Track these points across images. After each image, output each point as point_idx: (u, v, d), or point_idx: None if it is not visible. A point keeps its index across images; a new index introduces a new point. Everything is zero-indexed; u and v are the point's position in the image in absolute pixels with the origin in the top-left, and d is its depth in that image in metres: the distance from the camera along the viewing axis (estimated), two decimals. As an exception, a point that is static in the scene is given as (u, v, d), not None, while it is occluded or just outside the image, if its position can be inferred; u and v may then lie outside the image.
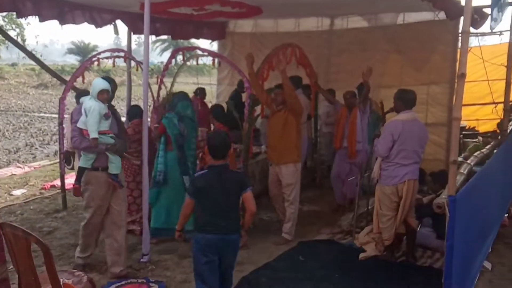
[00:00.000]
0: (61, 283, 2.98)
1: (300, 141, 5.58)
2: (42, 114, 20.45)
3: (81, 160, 4.37)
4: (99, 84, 4.29)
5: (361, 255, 4.99)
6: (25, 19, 6.02)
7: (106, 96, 4.28)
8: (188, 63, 7.32)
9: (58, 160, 6.56)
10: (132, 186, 5.51)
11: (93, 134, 4.16)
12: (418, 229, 5.25)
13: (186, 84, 13.83)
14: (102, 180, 4.35)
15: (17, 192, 7.46)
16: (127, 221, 5.19)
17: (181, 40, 47.58)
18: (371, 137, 6.47)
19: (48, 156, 11.34)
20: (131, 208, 5.47)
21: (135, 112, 5.84)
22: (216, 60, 6.84)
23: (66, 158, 6.44)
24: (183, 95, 5.74)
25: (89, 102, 4.23)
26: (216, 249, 3.48)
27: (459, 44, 6.63)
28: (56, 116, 8.74)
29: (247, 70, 5.48)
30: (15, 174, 8.77)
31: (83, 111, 4.22)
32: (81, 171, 4.38)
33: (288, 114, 5.35)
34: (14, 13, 5.85)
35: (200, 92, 8.35)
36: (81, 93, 5.79)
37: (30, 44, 20.03)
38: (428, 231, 5.34)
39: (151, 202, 5.10)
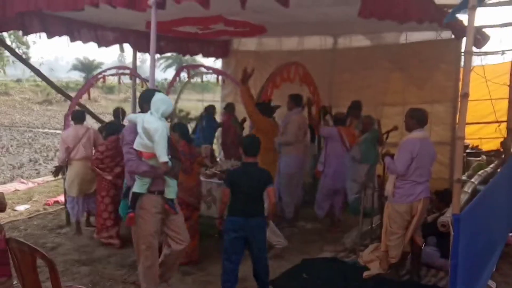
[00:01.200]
0: (66, 298, 3.00)
1: (269, 160, 5.34)
2: (46, 130, 20.57)
3: (135, 186, 3.87)
4: (167, 102, 3.83)
5: (365, 273, 4.97)
6: (35, 35, 5.99)
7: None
8: (192, 80, 7.42)
9: (61, 176, 6.59)
10: (106, 201, 5.70)
11: (164, 158, 3.70)
12: (423, 247, 5.22)
13: (189, 101, 13.92)
14: (158, 204, 3.94)
15: (21, 208, 7.48)
16: (105, 236, 5.63)
17: (185, 58, 48.04)
18: (367, 155, 6.51)
19: (51, 172, 11.35)
20: (107, 223, 5.73)
21: (112, 128, 5.96)
22: (220, 77, 6.91)
23: (56, 170, 6.50)
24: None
25: (153, 122, 3.70)
26: (242, 229, 4.11)
27: (462, 63, 6.70)
28: (60, 132, 8.79)
29: (250, 87, 5.51)
30: (18, 190, 8.81)
31: (140, 131, 3.72)
32: (135, 197, 3.90)
33: (256, 132, 5.28)
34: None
35: (229, 108, 8.52)
36: (77, 112, 5.96)
37: (35, 61, 20.27)
38: (432, 249, 5.31)
39: (120, 213, 4.86)
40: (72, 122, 6.30)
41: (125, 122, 6.95)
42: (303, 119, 6.50)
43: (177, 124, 5.74)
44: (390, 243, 4.77)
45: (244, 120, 7.61)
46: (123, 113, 7.15)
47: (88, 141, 6.17)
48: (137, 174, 3.84)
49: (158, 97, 3.80)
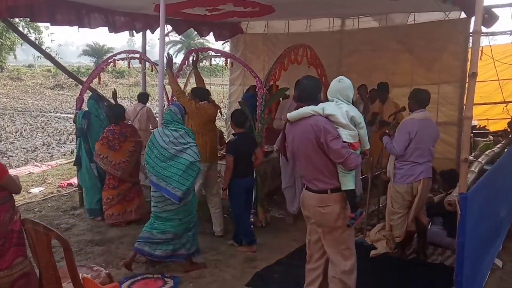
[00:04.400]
0: (80, 278, 3.07)
1: (203, 142, 5.30)
2: (58, 114, 20.81)
3: (349, 181, 3.43)
4: (352, 87, 3.54)
5: (372, 252, 5.05)
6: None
7: None
8: (201, 64, 7.45)
9: (74, 159, 6.72)
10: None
11: (367, 145, 3.53)
12: (429, 227, 5.29)
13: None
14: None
15: (35, 190, 7.66)
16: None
17: (194, 41, 47.90)
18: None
19: (64, 155, 11.58)
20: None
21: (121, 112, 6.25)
22: (229, 61, 6.94)
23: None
24: (95, 96, 6.53)
25: (353, 110, 3.45)
26: (249, 187, 5.25)
27: (470, 44, 6.65)
28: (72, 115, 8.88)
29: (259, 70, 5.57)
30: (32, 173, 9.00)
31: (346, 121, 3.35)
32: (352, 195, 3.50)
33: (188, 118, 5.26)
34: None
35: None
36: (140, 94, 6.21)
37: (46, 45, 20.41)
38: (439, 229, 5.38)
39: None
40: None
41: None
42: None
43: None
44: (392, 222, 4.85)
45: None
46: (147, 98, 8.21)
47: (142, 116, 7.62)
48: (356, 168, 3.46)
49: (345, 84, 3.48)
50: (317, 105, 3.42)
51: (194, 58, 6.50)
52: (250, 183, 5.31)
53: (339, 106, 3.40)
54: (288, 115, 3.50)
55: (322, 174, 3.41)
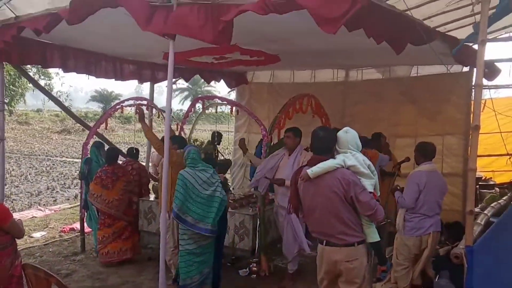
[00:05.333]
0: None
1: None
2: (64, 159, 20.93)
3: (374, 233, 3.43)
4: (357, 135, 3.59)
5: (378, 305, 4.93)
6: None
7: None
8: (207, 111, 7.59)
9: (78, 204, 6.75)
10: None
11: (378, 192, 3.51)
12: (436, 280, 5.17)
13: (204, 131, 14.13)
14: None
15: (37, 235, 7.60)
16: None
17: (201, 89, 48.81)
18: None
19: (68, 199, 11.56)
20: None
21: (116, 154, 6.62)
22: (234, 108, 7.05)
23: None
24: (98, 143, 6.83)
25: (365, 158, 3.50)
26: None
27: (472, 97, 6.75)
28: (78, 160, 8.94)
29: (263, 118, 5.64)
30: (35, 217, 8.97)
31: (367, 171, 3.40)
32: (380, 247, 3.68)
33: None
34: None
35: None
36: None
37: (57, 89, 20.86)
38: (446, 282, 5.25)
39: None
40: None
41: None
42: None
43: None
44: (396, 274, 4.78)
45: None
46: (220, 137, 8.22)
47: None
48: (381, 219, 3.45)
49: (352, 134, 3.53)
50: (332, 157, 3.42)
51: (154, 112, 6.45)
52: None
53: (356, 156, 3.41)
54: (310, 171, 3.38)
55: (348, 228, 3.36)
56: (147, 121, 6.40)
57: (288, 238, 5.48)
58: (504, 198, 6.42)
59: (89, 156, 6.65)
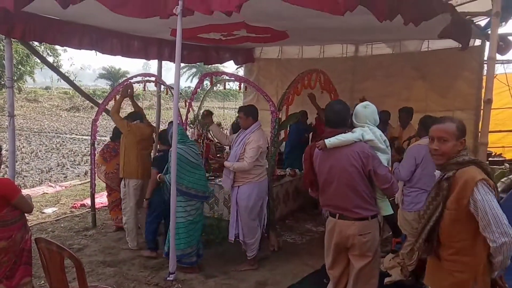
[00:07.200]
0: (92, 297, 3.10)
1: (135, 159, 5.83)
2: (73, 136, 21.07)
3: (388, 206, 3.57)
4: (376, 110, 3.61)
5: (386, 280, 4.95)
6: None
7: None
8: (214, 88, 7.54)
9: (88, 180, 6.82)
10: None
11: (389, 168, 3.55)
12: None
13: (212, 108, 14.10)
14: None
15: (49, 211, 7.71)
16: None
17: (209, 66, 48.53)
18: None
19: (78, 176, 11.69)
20: None
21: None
22: (242, 85, 7.01)
23: None
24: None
25: (380, 133, 3.55)
26: (166, 200, 5.06)
27: (484, 71, 6.65)
28: (87, 137, 9.01)
29: (272, 95, 5.59)
30: (47, 193, 9.07)
31: (383, 145, 3.50)
32: (394, 220, 3.76)
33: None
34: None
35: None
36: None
37: (66, 69, 20.89)
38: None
39: None
40: None
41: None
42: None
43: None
44: (402, 250, 4.79)
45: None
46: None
47: None
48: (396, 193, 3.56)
49: (372, 109, 3.58)
50: (348, 130, 3.43)
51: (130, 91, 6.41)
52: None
53: (373, 131, 3.45)
54: (328, 141, 3.39)
55: (364, 201, 3.39)
56: (147, 101, 6.53)
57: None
58: (514, 173, 6.38)
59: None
